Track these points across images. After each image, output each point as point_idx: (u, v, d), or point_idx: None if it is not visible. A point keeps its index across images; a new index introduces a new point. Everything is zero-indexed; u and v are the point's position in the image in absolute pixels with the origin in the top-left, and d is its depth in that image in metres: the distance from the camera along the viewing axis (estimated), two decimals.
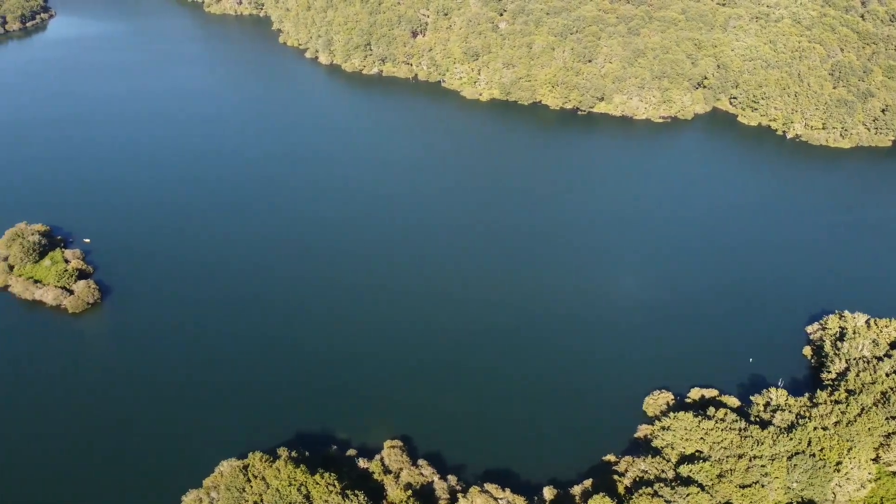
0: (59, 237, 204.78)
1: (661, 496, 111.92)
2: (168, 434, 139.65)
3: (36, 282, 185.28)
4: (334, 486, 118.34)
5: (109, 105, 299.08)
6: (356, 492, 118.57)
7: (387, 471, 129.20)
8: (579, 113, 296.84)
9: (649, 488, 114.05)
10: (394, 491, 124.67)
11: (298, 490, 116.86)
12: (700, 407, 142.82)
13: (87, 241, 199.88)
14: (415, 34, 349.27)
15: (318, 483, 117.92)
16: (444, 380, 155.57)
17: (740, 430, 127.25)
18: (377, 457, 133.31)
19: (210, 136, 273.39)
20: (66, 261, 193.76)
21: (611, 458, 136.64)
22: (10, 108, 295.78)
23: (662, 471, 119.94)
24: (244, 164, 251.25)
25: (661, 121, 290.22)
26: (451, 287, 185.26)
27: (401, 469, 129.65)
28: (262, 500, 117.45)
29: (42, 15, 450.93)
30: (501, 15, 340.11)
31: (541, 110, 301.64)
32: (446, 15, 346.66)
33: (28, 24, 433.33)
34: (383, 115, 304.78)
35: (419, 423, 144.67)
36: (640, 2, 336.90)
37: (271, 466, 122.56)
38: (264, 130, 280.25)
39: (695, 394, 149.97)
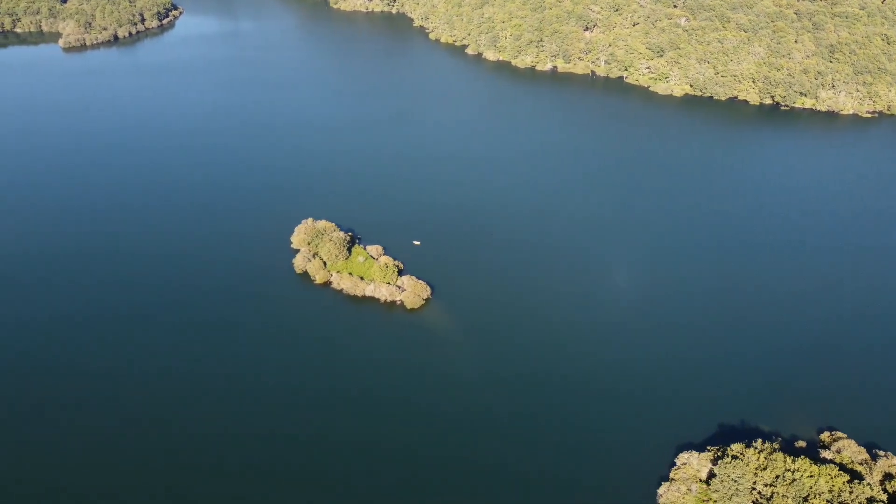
0: (348, 233, 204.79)
1: None
2: (600, 430, 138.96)
3: (360, 278, 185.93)
4: (840, 475, 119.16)
5: (314, 105, 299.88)
6: (860, 481, 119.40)
7: (856, 461, 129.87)
8: (782, 108, 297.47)
9: None
10: (877, 480, 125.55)
11: (811, 478, 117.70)
12: None
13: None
14: (586, 30, 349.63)
15: (829, 474, 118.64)
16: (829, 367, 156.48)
17: None
18: (834, 447, 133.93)
19: (422, 134, 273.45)
20: (373, 257, 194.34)
21: None
22: (221, 109, 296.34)
23: None
24: (469, 163, 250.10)
25: (868, 115, 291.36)
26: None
27: (865, 459, 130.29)
28: (776, 491, 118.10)
29: (174, 12, 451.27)
30: (674, 8, 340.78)
31: (739, 105, 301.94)
32: (617, 10, 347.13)
33: (164, 22, 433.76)
34: (578, 111, 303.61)
35: (823, 413, 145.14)
36: None
37: (763, 457, 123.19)
38: (472, 127, 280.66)
39: None
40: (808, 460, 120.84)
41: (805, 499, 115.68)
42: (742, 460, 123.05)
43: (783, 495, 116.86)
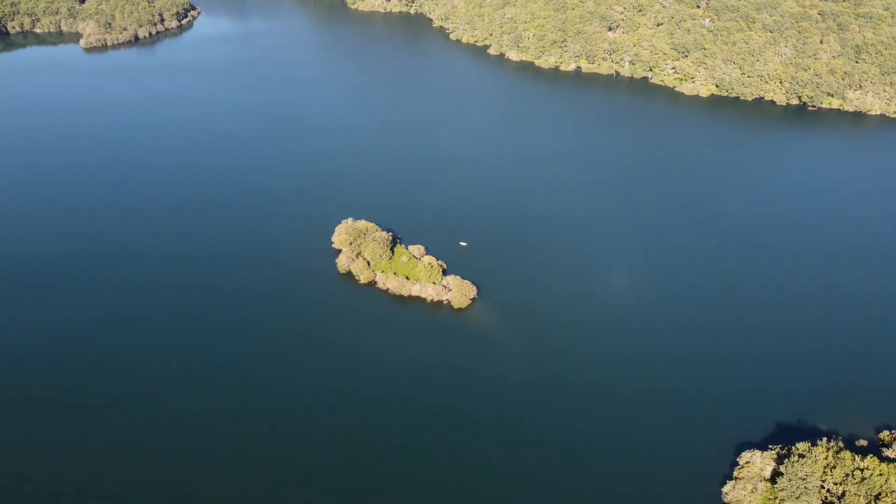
0: (389, 233, 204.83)
1: None
2: (658, 430, 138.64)
3: (405, 278, 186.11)
4: None
5: (339, 105, 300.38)
6: None
7: None
8: (809, 108, 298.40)
9: None
10: None
11: (881, 476, 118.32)
12: None
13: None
14: (609, 30, 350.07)
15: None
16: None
17: None
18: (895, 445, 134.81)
19: (449, 135, 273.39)
20: (416, 257, 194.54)
21: None
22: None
23: None
24: (498, 163, 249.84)
25: (895, 116, 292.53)
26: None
27: None
28: (847, 490, 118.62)
29: (192, 13, 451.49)
30: (697, 9, 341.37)
31: (765, 106, 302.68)
32: (640, 11, 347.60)
33: (183, 22, 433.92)
34: (604, 111, 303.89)
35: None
36: None
37: (830, 456, 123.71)
38: (499, 127, 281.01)
39: None
40: (876, 458, 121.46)
41: (877, 497, 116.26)
42: (809, 459, 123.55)
43: (854, 494, 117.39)
